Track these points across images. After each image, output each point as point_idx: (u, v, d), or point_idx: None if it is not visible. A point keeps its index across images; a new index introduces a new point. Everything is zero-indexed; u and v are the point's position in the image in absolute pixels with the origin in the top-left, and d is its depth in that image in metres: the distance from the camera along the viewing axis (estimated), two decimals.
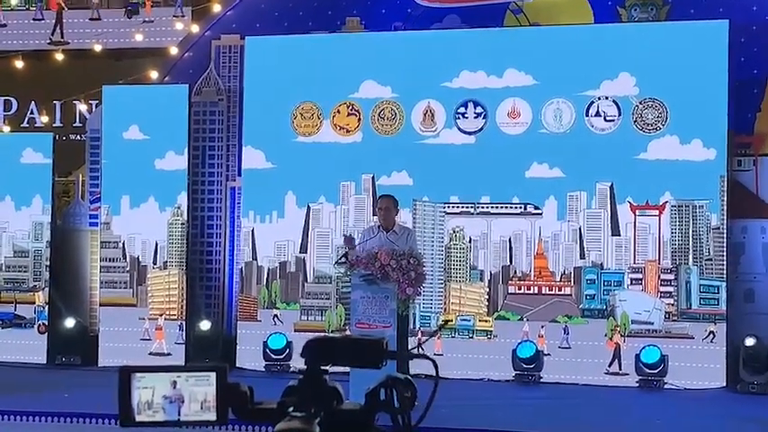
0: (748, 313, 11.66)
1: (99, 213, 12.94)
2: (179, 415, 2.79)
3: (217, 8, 13.26)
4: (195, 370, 2.70)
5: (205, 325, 12.44)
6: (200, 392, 2.72)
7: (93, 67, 13.95)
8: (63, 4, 14.51)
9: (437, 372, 2.67)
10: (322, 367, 2.70)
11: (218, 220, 12.92)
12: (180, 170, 12.69)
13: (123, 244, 12.84)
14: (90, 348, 12.64)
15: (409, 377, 2.60)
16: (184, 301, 12.69)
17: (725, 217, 11.52)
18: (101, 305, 12.86)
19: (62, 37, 14.52)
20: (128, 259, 12.84)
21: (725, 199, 11.51)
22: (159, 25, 14.16)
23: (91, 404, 9.59)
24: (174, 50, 13.42)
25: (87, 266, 13.08)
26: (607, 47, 11.83)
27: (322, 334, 2.85)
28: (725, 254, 11.51)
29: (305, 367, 2.77)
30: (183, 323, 12.63)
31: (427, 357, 2.71)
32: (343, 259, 9.93)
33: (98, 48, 14.00)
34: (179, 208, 12.71)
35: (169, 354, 12.54)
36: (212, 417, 2.79)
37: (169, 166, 12.69)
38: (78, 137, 14.12)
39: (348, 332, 11.58)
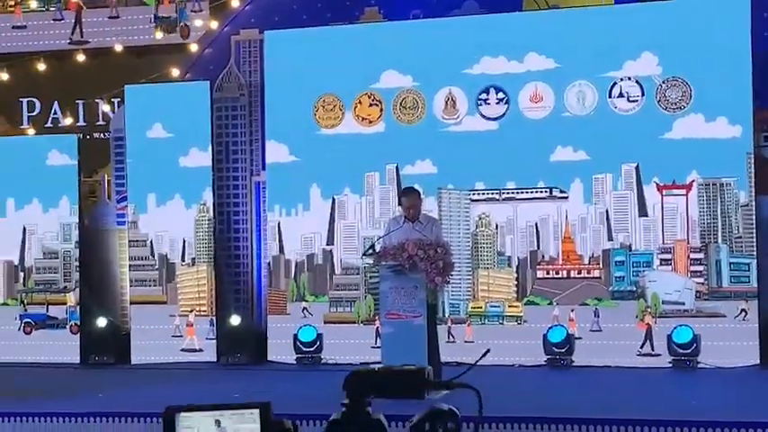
0: None
1: (126, 212, 13.00)
2: None
3: (235, 3, 13.26)
4: (238, 407, 2.69)
5: (235, 320, 12.48)
6: (244, 430, 2.72)
7: (115, 65, 13.95)
8: (82, 4, 14.50)
9: (481, 404, 2.66)
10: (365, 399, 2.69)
11: (244, 215, 12.94)
12: (204, 167, 12.73)
13: (151, 242, 12.90)
14: (122, 347, 12.72)
15: (453, 408, 2.59)
16: (214, 297, 12.73)
17: (753, 194, 11.45)
18: (131, 303, 12.93)
19: (81, 36, 14.50)
20: (156, 257, 12.89)
21: (752, 175, 11.45)
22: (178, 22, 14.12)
23: (126, 403, 9.62)
24: (194, 47, 13.44)
25: (116, 265, 13.14)
26: (628, 27, 11.75)
27: (362, 367, 2.81)
28: (754, 231, 11.45)
29: (347, 401, 2.75)
30: (214, 319, 12.68)
31: (470, 387, 2.69)
32: (371, 251, 9.93)
33: (119, 47, 13.99)
34: (204, 204, 12.74)
35: (201, 350, 12.62)
36: None
37: (193, 162, 12.73)
38: (102, 136, 14.14)
39: (377, 323, 11.62)
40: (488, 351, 3.12)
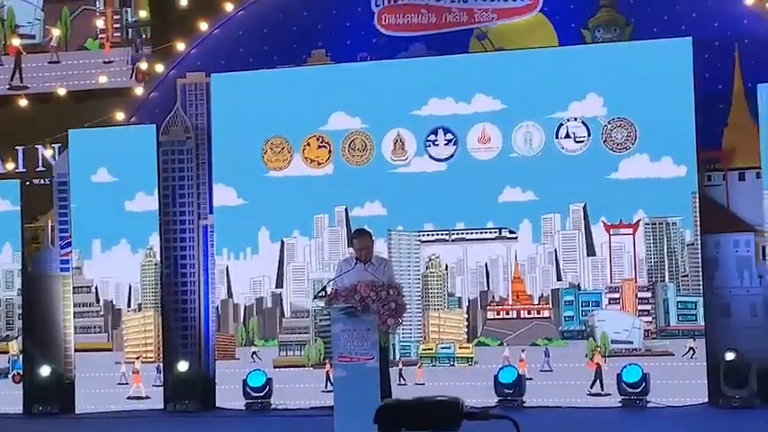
0: (726, 327, 11.70)
1: (70, 258, 12.84)
2: None
3: (181, 46, 13.20)
4: None
5: (183, 366, 12.33)
6: None
7: (57, 110, 13.82)
8: (21, 49, 14.38)
9: None
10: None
11: (191, 259, 12.84)
12: (151, 211, 12.62)
13: (96, 288, 12.75)
14: (67, 395, 12.51)
15: None
16: (160, 343, 12.59)
17: (698, 232, 11.57)
18: (76, 351, 12.75)
19: (21, 81, 14.37)
20: (101, 303, 12.73)
21: (697, 215, 11.57)
22: (122, 65, 14.05)
23: None
24: (139, 91, 13.35)
25: (60, 312, 12.96)
26: (573, 68, 11.88)
27: (394, 399, 2.73)
28: (700, 269, 11.56)
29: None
30: (161, 365, 12.53)
31: (508, 418, 2.62)
32: (323, 293, 9.86)
33: (62, 91, 13.87)
34: (151, 249, 12.62)
35: (147, 397, 12.45)
36: None
37: (140, 207, 12.63)
38: (43, 181, 13.97)
39: (329, 366, 11.55)
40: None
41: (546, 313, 11.92)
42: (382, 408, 2.62)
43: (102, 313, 12.73)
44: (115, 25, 14.35)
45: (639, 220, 11.72)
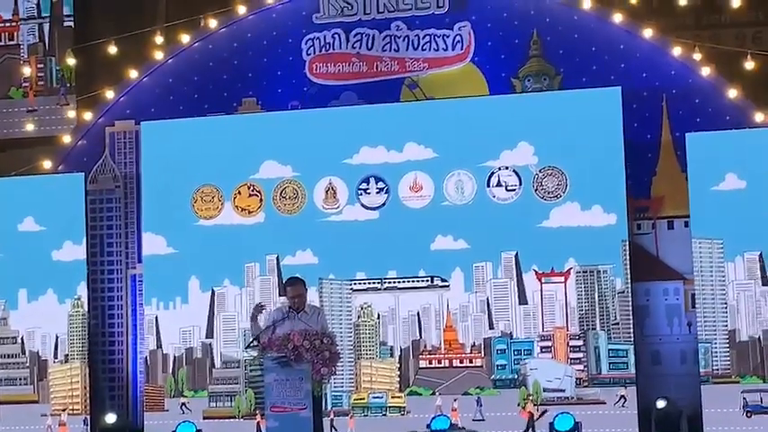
0: (656, 375, 11.76)
1: None
2: None
3: (109, 94, 13.07)
4: None
5: (110, 418, 12.15)
6: None
7: None
8: None
9: None
10: None
11: (119, 309, 12.71)
12: (78, 260, 12.48)
13: (22, 339, 12.56)
14: None
15: None
16: (88, 395, 12.39)
17: (629, 280, 11.65)
18: (0, 404, 12.47)
19: None
20: (27, 354, 12.54)
21: (627, 263, 11.65)
22: (49, 114, 13.92)
23: None
24: (66, 139, 13.20)
25: None
26: (504, 117, 11.95)
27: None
28: (631, 317, 11.62)
29: None
30: (88, 417, 12.35)
31: None
32: (255, 343, 9.75)
33: None
34: (79, 299, 12.46)
35: None
36: None
37: (67, 256, 12.48)
38: None
39: (258, 417, 11.45)
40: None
41: (478, 362, 11.91)
42: None
43: (27, 365, 12.52)
44: (39, 74, 14.24)
45: (571, 268, 11.78)
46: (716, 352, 11.39)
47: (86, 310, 12.45)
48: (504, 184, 11.96)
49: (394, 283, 12.07)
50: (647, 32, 12.16)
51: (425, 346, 12.01)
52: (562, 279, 11.80)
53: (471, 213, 11.95)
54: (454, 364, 11.96)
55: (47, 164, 13.16)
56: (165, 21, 13.83)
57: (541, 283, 11.83)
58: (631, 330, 11.61)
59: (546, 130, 11.85)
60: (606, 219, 11.69)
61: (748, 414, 11.26)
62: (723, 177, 11.43)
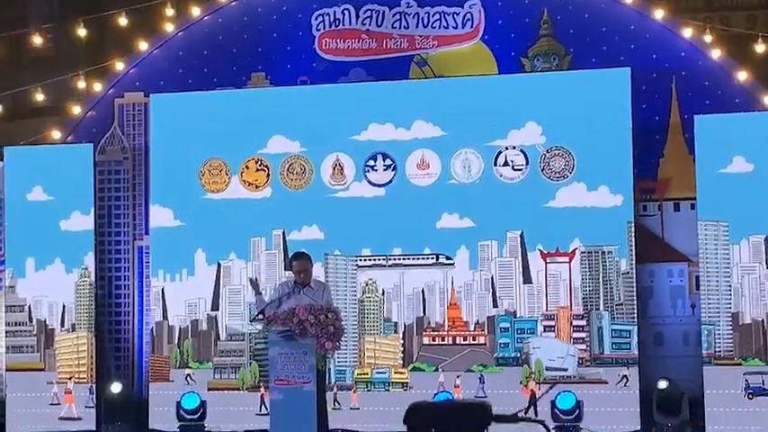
0: (659, 356, 11.81)
1: (3, 277, 12.70)
2: None
3: (119, 66, 13.10)
4: None
5: (116, 387, 12.20)
6: None
7: None
8: None
9: None
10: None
11: (126, 281, 12.77)
12: (86, 230, 12.51)
13: (29, 307, 12.61)
14: None
15: None
16: (94, 364, 12.46)
17: (633, 262, 11.67)
18: (7, 370, 12.58)
19: None
20: (34, 323, 12.59)
21: (633, 244, 11.68)
22: (58, 84, 13.94)
23: None
24: (76, 109, 13.24)
25: None
26: (512, 97, 11.95)
27: (424, 400, 2.72)
28: (635, 298, 11.66)
29: None
30: (93, 386, 12.40)
31: (538, 421, 2.61)
32: (260, 316, 9.82)
33: None
34: (86, 269, 12.50)
35: (80, 418, 12.31)
36: None
37: (75, 226, 12.51)
38: None
39: (262, 390, 11.52)
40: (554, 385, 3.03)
41: (481, 340, 11.96)
42: (412, 408, 2.63)
43: (34, 333, 12.58)
44: (49, 44, 14.27)
45: (576, 248, 11.81)
46: (719, 334, 11.42)
47: (93, 280, 12.50)
48: (510, 163, 11.98)
49: (399, 260, 12.11)
50: (658, 14, 12.15)
51: (429, 323, 12.07)
52: (567, 259, 11.83)
53: (478, 192, 11.97)
54: (458, 342, 12.01)
55: (56, 134, 13.21)
56: None
57: (546, 263, 11.86)
58: (635, 311, 11.65)
59: (554, 110, 11.85)
60: (612, 200, 11.70)
61: (750, 396, 11.31)
62: (731, 160, 11.42)
